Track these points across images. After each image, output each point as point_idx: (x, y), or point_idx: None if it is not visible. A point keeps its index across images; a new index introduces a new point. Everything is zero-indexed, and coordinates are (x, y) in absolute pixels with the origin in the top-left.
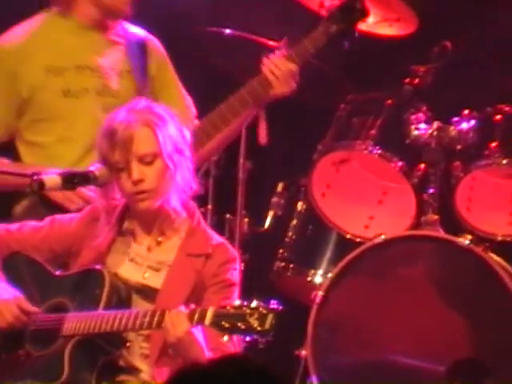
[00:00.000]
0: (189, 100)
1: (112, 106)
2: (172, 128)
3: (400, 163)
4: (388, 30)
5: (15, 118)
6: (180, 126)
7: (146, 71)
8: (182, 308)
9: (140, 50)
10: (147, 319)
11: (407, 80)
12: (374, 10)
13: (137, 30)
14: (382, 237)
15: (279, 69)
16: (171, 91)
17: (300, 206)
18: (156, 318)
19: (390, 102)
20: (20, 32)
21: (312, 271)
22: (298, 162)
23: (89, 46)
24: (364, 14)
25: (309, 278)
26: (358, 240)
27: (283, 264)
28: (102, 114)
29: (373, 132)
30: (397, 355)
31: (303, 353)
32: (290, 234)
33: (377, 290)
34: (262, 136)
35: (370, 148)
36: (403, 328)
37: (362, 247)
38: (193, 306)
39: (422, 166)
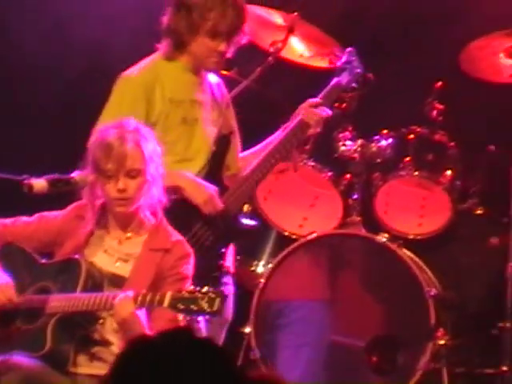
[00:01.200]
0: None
1: (213, 132)
2: (154, 148)
3: (329, 173)
4: (321, 63)
5: None
6: (158, 148)
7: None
8: (130, 293)
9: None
10: (104, 301)
11: (336, 104)
12: (309, 46)
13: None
14: (314, 234)
15: (316, 114)
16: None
17: (246, 207)
18: (110, 301)
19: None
20: (144, 67)
21: (255, 262)
22: None
23: (195, 85)
24: (359, 68)
25: (252, 268)
26: (293, 237)
27: (239, 256)
28: (206, 139)
29: (307, 147)
30: (327, 333)
31: (247, 330)
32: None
33: (310, 278)
34: (295, 163)
35: (305, 160)
36: (332, 310)
37: (297, 243)
38: (144, 290)
39: (348, 176)
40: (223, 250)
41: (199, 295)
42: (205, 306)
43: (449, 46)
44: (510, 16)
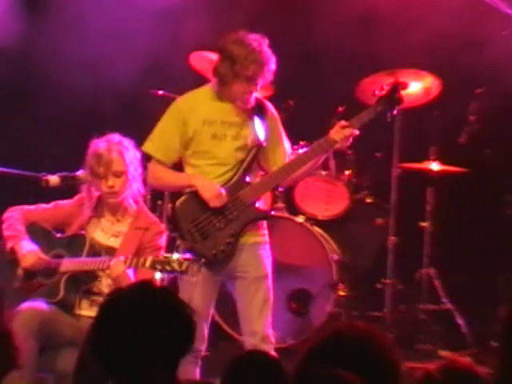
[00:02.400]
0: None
1: (241, 145)
2: (133, 155)
3: (261, 173)
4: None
5: (184, 149)
6: (137, 154)
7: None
8: (121, 257)
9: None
10: (103, 263)
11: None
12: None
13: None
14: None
15: (345, 134)
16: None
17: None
18: (107, 263)
19: None
20: (188, 95)
21: None
22: None
23: (228, 110)
24: (400, 101)
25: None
26: None
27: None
28: (234, 151)
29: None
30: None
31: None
32: None
33: None
34: (332, 168)
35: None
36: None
37: None
38: (131, 256)
39: None
40: (238, 230)
41: (172, 259)
42: (176, 266)
43: (348, 81)
44: (392, 59)
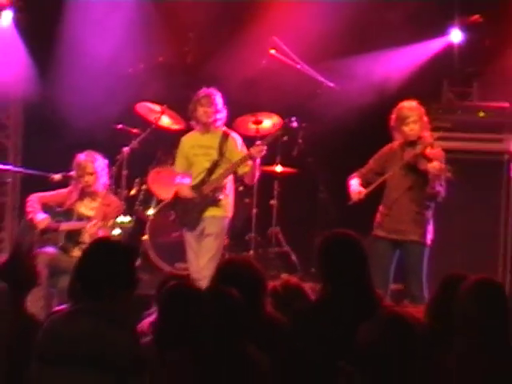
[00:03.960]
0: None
1: (211, 159)
2: (101, 162)
3: (171, 169)
4: (175, 126)
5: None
6: (104, 162)
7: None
8: (94, 221)
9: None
10: (85, 225)
11: None
12: (173, 120)
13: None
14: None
15: (258, 150)
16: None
17: (144, 187)
18: (87, 225)
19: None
20: (187, 137)
21: (149, 209)
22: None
23: (204, 139)
24: (293, 130)
25: (149, 212)
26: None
27: (140, 207)
28: (206, 164)
29: (170, 161)
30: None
31: (145, 238)
32: (141, 196)
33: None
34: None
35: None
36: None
37: (167, 201)
38: (99, 220)
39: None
40: (201, 208)
41: (123, 221)
42: (126, 224)
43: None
44: (254, 106)
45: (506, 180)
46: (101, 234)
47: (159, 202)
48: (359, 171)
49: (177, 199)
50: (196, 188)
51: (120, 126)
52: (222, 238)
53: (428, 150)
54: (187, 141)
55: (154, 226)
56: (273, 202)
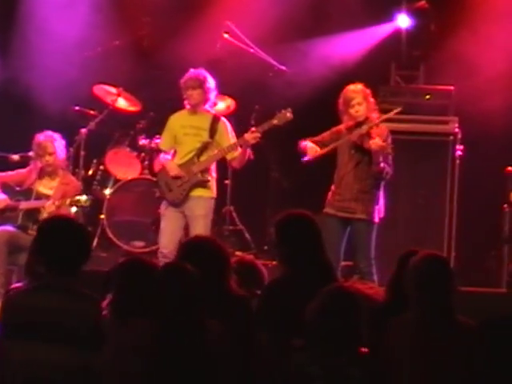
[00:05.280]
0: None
1: (201, 140)
2: (59, 143)
3: (136, 153)
4: (131, 108)
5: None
6: (62, 142)
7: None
8: (51, 201)
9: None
10: (43, 203)
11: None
12: (130, 102)
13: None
14: (129, 177)
15: (253, 137)
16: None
17: (101, 167)
18: (45, 203)
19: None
20: (176, 116)
21: (106, 189)
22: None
23: (194, 120)
24: (289, 117)
25: (105, 192)
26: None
27: (97, 187)
28: (196, 144)
29: (127, 142)
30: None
31: (102, 216)
32: (99, 176)
33: (131, 197)
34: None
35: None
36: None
37: (126, 180)
38: (57, 199)
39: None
40: (188, 187)
41: (81, 199)
42: (83, 203)
43: None
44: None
45: (451, 160)
46: (57, 212)
47: (116, 181)
48: (312, 138)
49: (161, 176)
50: (184, 167)
51: (77, 107)
52: (210, 218)
53: (374, 130)
54: (177, 120)
55: (111, 205)
56: (227, 181)
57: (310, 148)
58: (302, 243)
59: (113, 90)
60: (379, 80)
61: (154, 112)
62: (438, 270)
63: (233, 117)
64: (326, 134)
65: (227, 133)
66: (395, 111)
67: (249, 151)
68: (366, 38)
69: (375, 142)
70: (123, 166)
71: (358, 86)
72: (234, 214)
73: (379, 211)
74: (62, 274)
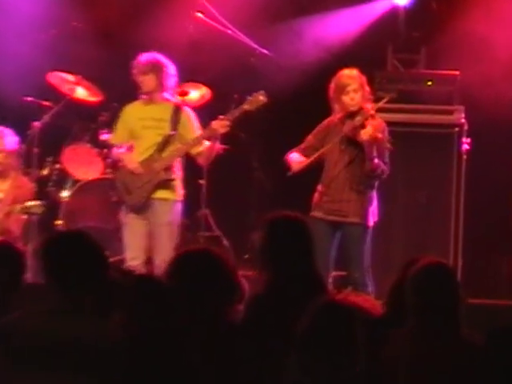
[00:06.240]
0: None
1: (162, 134)
2: (11, 140)
3: (97, 150)
4: (91, 98)
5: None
6: (14, 139)
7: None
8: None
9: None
10: None
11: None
12: (89, 92)
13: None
14: (89, 178)
15: (221, 124)
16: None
17: (58, 166)
18: None
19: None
20: (132, 107)
21: (63, 191)
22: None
23: (154, 111)
24: (263, 102)
25: (62, 194)
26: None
27: (53, 188)
28: (157, 138)
29: (87, 137)
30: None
31: (58, 223)
32: (55, 177)
33: (92, 200)
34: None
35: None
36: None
37: (87, 181)
38: (8, 204)
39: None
40: (150, 189)
41: (32, 205)
42: (35, 210)
43: None
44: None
45: (456, 155)
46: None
47: (75, 182)
48: (298, 147)
49: (118, 176)
50: (144, 165)
51: (30, 98)
52: (178, 224)
53: (368, 122)
54: (133, 111)
55: (69, 209)
56: (202, 181)
57: (293, 161)
58: (292, 248)
59: (70, 77)
60: (374, 64)
61: (119, 103)
62: (442, 280)
63: (208, 107)
64: (310, 138)
65: (191, 124)
66: (385, 99)
67: (217, 144)
68: (358, 17)
69: (366, 132)
70: (83, 164)
71: (354, 72)
72: (210, 219)
73: (373, 214)
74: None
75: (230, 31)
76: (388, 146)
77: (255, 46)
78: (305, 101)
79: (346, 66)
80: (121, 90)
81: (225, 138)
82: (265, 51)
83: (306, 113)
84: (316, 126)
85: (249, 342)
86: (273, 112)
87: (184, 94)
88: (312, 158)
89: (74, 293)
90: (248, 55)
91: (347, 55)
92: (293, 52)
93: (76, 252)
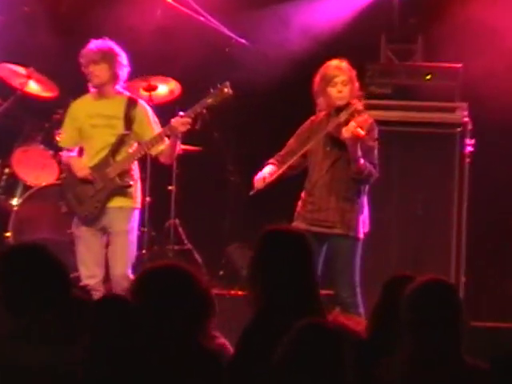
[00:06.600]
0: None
1: (115, 133)
2: None
3: (51, 152)
4: (45, 93)
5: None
6: None
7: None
8: None
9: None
10: None
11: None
12: (42, 87)
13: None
14: (43, 183)
15: (182, 122)
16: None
17: (7, 170)
18: None
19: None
20: (79, 103)
21: (13, 199)
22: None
23: (104, 106)
24: (228, 95)
25: (12, 202)
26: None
27: (2, 196)
28: (110, 139)
29: (40, 138)
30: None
31: (8, 234)
32: (3, 182)
33: (45, 209)
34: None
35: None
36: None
37: (40, 187)
38: None
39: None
40: (104, 197)
41: None
42: None
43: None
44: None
45: (458, 158)
46: None
47: (26, 188)
48: (277, 155)
49: (68, 184)
50: (96, 170)
51: None
52: (136, 234)
53: (355, 119)
54: (81, 107)
55: (19, 219)
56: (170, 187)
57: (257, 179)
58: (292, 270)
59: (21, 70)
60: (365, 56)
61: (76, 99)
62: (442, 300)
63: (178, 104)
64: (291, 141)
65: (148, 120)
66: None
67: (179, 144)
68: (348, 3)
69: (348, 129)
70: (35, 168)
71: (343, 63)
72: (181, 230)
73: (364, 224)
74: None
75: (202, 17)
76: (371, 144)
77: (231, 34)
78: (290, 95)
79: (336, 56)
80: (78, 85)
81: (196, 138)
82: (242, 40)
83: (292, 108)
84: (303, 123)
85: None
86: (252, 107)
87: (151, 88)
88: (284, 167)
89: (30, 317)
90: (223, 45)
91: (336, 45)
92: (277, 41)
93: (31, 268)
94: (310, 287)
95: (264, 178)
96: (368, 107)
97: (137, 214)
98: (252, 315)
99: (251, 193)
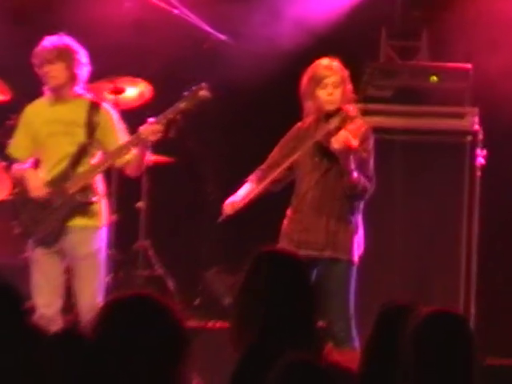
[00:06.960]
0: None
1: (76, 142)
2: None
3: (4, 163)
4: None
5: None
6: None
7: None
8: None
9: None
10: None
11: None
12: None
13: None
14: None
15: (152, 129)
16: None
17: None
18: None
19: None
20: (34, 107)
21: None
22: None
23: (60, 110)
24: (204, 98)
25: None
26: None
27: None
28: (69, 149)
29: None
30: None
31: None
32: None
33: None
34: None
35: None
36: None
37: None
38: None
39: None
40: (62, 215)
41: None
42: None
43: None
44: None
45: (468, 170)
46: None
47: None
48: (258, 169)
49: (21, 201)
50: (54, 184)
51: None
52: (103, 256)
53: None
54: (35, 113)
55: None
56: (140, 203)
57: (226, 203)
58: (289, 300)
59: None
60: (363, 53)
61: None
62: (451, 334)
63: (148, 109)
64: (275, 152)
65: (113, 126)
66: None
67: (148, 154)
68: None
69: (338, 138)
70: None
71: (334, 63)
72: (151, 252)
73: (359, 245)
74: None
75: (176, 10)
76: (365, 155)
77: (209, 29)
78: (280, 95)
79: (329, 53)
80: (36, 87)
81: (168, 148)
82: (222, 36)
83: (282, 111)
84: (286, 129)
85: None
86: (235, 112)
87: (117, 91)
88: (263, 184)
89: None
90: (201, 41)
91: (329, 41)
92: (267, 35)
93: None
94: (308, 314)
95: (233, 204)
96: (365, 113)
97: (104, 232)
98: (239, 353)
99: (219, 219)
